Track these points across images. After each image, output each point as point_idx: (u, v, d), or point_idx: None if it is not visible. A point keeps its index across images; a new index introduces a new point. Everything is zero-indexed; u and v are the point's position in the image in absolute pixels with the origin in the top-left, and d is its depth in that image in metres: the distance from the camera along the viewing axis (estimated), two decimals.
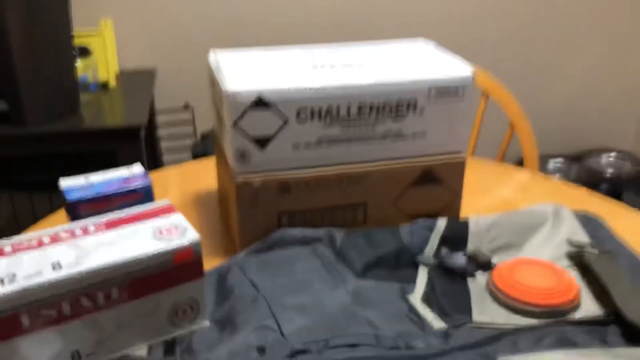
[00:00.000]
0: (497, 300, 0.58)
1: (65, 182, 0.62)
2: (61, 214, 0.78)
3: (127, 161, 0.64)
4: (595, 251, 0.62)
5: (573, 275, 0.61)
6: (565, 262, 0.63)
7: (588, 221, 0.70)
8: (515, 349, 0.49)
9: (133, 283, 0.48)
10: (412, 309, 0.56)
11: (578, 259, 0.63)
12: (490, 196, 0.85)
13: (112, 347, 0.49)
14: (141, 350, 0.50)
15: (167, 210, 0.54)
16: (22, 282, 0.43)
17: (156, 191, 0.63)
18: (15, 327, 0.44)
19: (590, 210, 0.73)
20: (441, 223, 0.67)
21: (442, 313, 0.56)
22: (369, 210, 0.69)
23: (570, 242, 0.64)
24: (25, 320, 0.44)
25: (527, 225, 0.67)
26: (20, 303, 0.43)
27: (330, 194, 0.67)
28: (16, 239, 0.49)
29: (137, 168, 0.66)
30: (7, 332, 0.43)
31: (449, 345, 0.50)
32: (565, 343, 0.50)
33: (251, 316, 0.53)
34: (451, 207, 0.73)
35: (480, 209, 0.80)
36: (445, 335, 0.52)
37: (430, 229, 0.66)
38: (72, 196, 0.59)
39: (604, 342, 0.50)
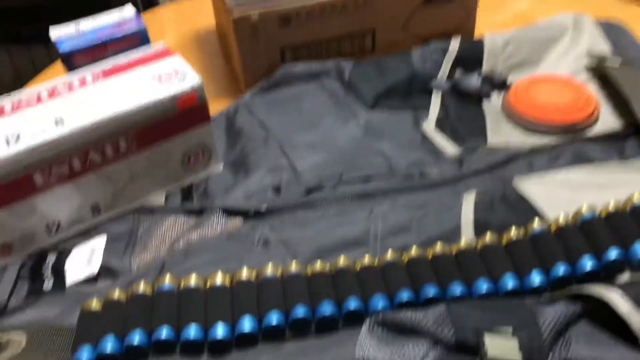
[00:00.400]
0: (512, 121, 0.56)
1: (56, 32, 0.59)
2: (59, 65, 0.76)
3: (120, 5, 0.61)
4: (617, 61, 0.59)
5: (592, 89, 0.59)
6: (584, 76, 0.61)
7: (610, 29, 0.65)
8: (531, 169, 0.49)
9: (139, 133, 0.47)
10: (425, 137, 0.55)
11: (598, 71, 0.60)
12: (506, 10, 0.80)
13: (129, 198, 0.50)
14: (159, 198, 0.51)
15: (165, 53, 0.52)
16: (27, 141, 0.43)
17: (151, 34, 0.59)
18: (29, 186, 0.44)
19: (613, 17, 0.68)
20: (454, 44, 0.63)
21: (456, 138, 0.55)
22: (377, 37, 0.65)
23: (591, 54, 0.61)
24: (38, 179, 0.44)
25: (545, 38, 0.64)
26: (30, 162, 0.43)
27: (334, 23, 0.63)
28: (14, 96, 0.48)
29: (128, 10, 0.62)
30: (23, 191, 0.44)
31: (463, 171, 0.50)
32: (581, 159, 0.49)
33: (263, 157, 0.53)
34: (465, 26, 0.68)
35: (495, 26, 0.76)
36: (459, 160, 0.52)
37: (443, 51, 0.63)
38: (65, 47, 0.56)
39: (623, 157, 0.50)
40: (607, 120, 0.55)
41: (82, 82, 0.49)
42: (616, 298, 0.35)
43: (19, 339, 0.40)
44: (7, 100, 0.47)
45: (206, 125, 0.50)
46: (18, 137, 0.43)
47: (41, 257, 0.46)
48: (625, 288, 0.36)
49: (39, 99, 0.47)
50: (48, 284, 0.44)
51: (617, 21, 0.67)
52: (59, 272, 0.45)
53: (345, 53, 0.65)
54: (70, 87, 0.48)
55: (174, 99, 0.47)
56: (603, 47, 0.63)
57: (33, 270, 0.45)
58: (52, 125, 0.44)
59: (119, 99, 0.46)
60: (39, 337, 0.40)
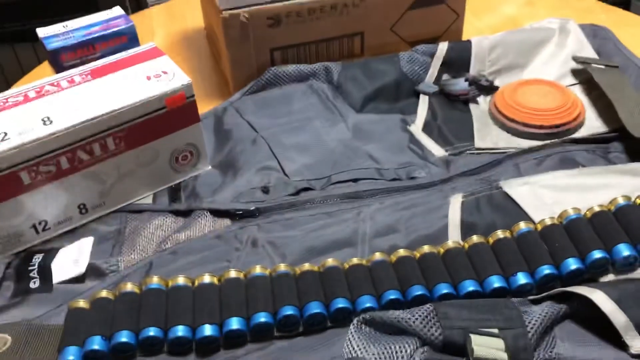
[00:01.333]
0: (499, 125, 0.57)
1: (43, 31, 0.59)
2: (46, 66, 0.75)
3: (109, 7, 0.61)
4: (602, 66, 0.60)
5: (578, 93, 0.59)
6: (570, 80, 0.61)
7: (595, 34, 0.66)
8: (517, 172, 0.50)
9: (128, 132, 0.47)
10: (413, 139, 0.55)
11: (584, 75, 0.61)
12: (494, 14, 0.80)
13: (117, 198, 0.50)
14: (147, 199, 0.51)
15: (154, 53, 0.52)
16: (14, 140, 0.43)
17: (141, 35, 0.59)
18: (16, 185, 0.44)
19: (598, 23, 0.69)
20: (442, 47, 0.64)
21: (443, 141, 0.55)
22: (366, 40, 0.66)
23: (576, 59, 0.62)
24: (25, 177, 0.44)
25: (532, 43, 0.64)
26: (16, 161, 0.43)
27: (324, 25, 0.63)
28: (1, 95, 0.48)
29: (116, 10, 0.62)
30: (9, 190, 0.44)
31: (451, 173, 0.50)
32: (567, 163, 0.50)
33: (252, 158, 0.53)
34: (453, 30, 0.69)
35: (483, 30, 0.76)
36: (446, 162, 0.52)
37: (431, 54, 0.64)
38: (52, 45, 0.56)
39: (607, 160, 0.50)
40: (592, 124, 0.56)
41: (71, 82, 0.49)
42: (600, 297, 0.35)
43: (3, 340, 0.39)
44: None
45: (195, 125, 0.51)
46: (5, 136, 0.43)
47: (28, 256, 0.46)
48: (609, 288, 0.37)
49: (26, 98, 0.47)
50: (34, 283, 0.44)
51: (602, 26, 0.68)
52: (45, 272, 0.45)
53: (334, 55, 0.66)
54: (58, 87, 0.48)
55: (162, 98, 0.47)
56: (588, 51, 0.64)
57: (19, 270, 0.45)
58: (40, 124, 0.44)
59: (107, 98, 0.46)
60: (24, 337, 0.39)
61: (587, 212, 0.43)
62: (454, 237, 0.44)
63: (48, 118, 0.44)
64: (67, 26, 0.59)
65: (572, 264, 0.40)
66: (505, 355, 0.34)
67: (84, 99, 0.46)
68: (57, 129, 0.44)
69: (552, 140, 0.53)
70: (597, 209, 0.43)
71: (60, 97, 0.47)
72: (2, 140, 0.43)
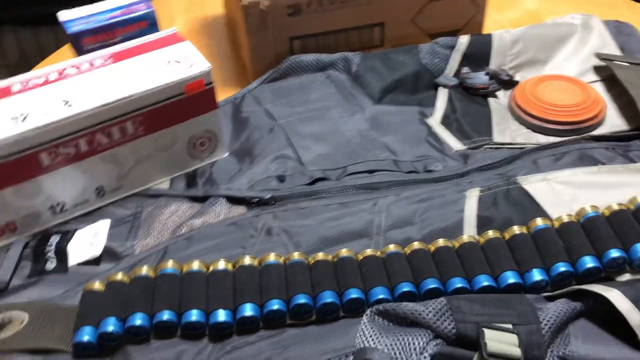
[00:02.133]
0: (518, 119, 0.56)
1: (64, 15, 0.59)
2: (66, 49, 0.76)
3: None
4: (626, 63, 0.59)
5: (599, 90, 0.59)
6: (592, 77, 0.61)
7: (619, 30, 0.65)
8: (535, 168, 0.49)
9: (147, 117, 0.47)
10: (431, 132, 0.55)
11: (606, 72, 0.60)
12: (516, 8, 0.79)
13: (134, 182, 0.50)
14: (163, 184, 0.51)
15: (175, 39, 0.52)
16: (34, 121, 0.43)
17: (161, 20, 0.59)
18: (35, 166, 0.44)
19: (622, 19, 0.68)
20: (463, 40, 0.63)
21: (461, 134, 0.55)
22: (386, 31, 0.65)
23: (599, 55, 0.61)
24: (44, 159, 0.44)
25: (554, 38, 0.64)
26: (36, 142, 0.43)
27: (344, 15, 0.63)
28: (23, 76, 0.48)
29: None
30: (29, 171, 0.44)
31: (468, 167, 0.50)
32: (586, 160, 0.49)
33: (269, 146, 0.53)
34: (474, 23, 0.68)
35: (504, 24, 0.75)
36: (464, 156, 0.52)
37: (451, 47, 0.63)
38: (73, 29, 0.56)
39: (627, 158, 0.50)
40: (614, 122, 0.55)
41: (91, 65, 0.49)
42: (616, 296, 0.35)
43: (21, 318, 0.40)
44: (16, 81, 0.47)
45: (213, 112, 0.51)
46: (25, 117, 0.43)
47: (45, 237, 0.47)
48: (625, 287, 0.36)
49: (47, 80, 0.47)
50: (51, 264, 0.45)
51: (626, 22, 0.67)
52: (62, 253, 0.45)
53: (353, 45, 0.65)
54: (79, 70, 0.48)
55: (181, 84, 0.47)
56: (611, 48, 0.63)
57: (36, 250, 0.46)
58: (60, 106, 0.44)
59: (127, 82, 0.46)
60: (41, 316, 0.40)
61: (606, 211, 0.43)
62: (469, 232, 0.44)
63: (68, 100, 0.45)
64: (87, 10, 0.59)
65: (589, 262, 0.40)
66: (518, 351, 0.34)
67: (104, 82, 0.47)
68: (76, 112, 0.44)
69: (572, 137, 0.53)
70: (615, 207, 0.43)
71: (80, 80, 0.47)
72: (23, 121, 0.43)
